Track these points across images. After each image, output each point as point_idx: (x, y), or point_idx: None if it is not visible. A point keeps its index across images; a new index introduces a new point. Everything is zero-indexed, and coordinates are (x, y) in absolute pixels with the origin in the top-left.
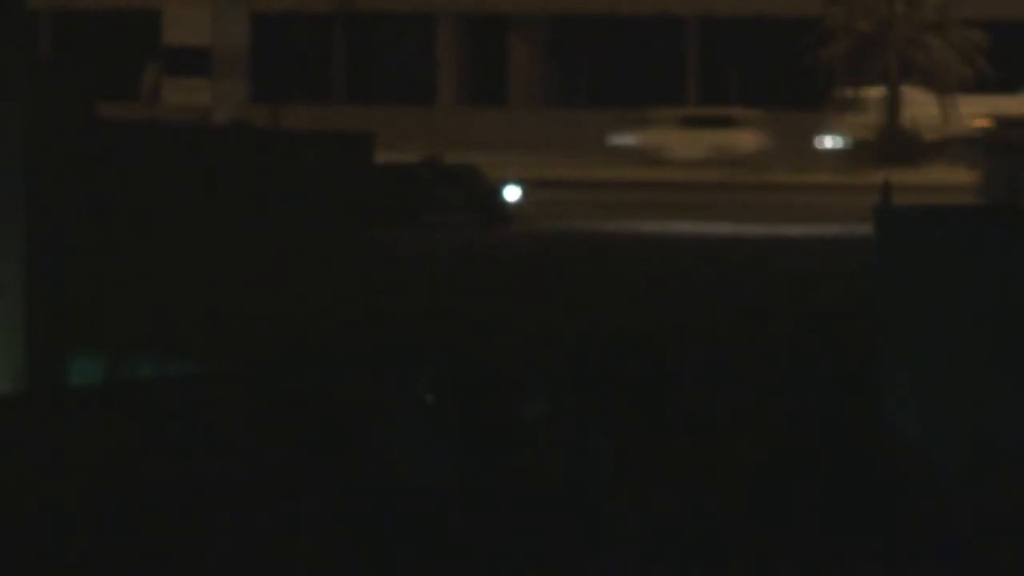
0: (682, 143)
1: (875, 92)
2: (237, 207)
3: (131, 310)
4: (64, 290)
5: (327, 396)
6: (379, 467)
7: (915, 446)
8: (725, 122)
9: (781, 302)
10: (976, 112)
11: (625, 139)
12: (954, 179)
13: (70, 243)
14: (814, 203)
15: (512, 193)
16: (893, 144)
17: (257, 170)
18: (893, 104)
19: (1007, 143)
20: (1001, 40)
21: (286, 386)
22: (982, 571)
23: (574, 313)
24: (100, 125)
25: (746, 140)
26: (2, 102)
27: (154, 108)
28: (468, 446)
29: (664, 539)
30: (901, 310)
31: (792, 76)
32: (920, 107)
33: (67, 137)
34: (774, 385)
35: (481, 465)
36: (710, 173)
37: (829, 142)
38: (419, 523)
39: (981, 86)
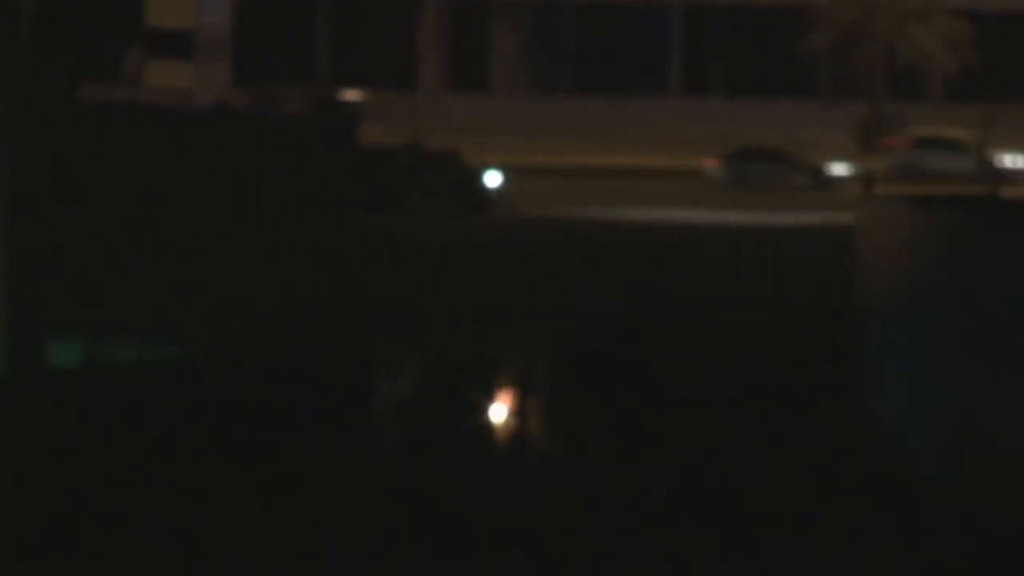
0: None
1: None
2: (219, 190)
3: (112, 294)
4: (45, 273)
5: (303, 380)
6: (353, 446)
7: (895, 433)
8: None
9: (749, 290)
10: None
11: None
12: None
13: (51, 226)
14: None
15: (493, 179)
16: None
17: (239, 154)
18: None
19: None
20: (985, 30)
21: (262, 369)
22: (956, 554)
23: (552, 301)
24: (82, 107)
25: None
26: None
27: (136, 90)
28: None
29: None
30: (883, 299)
31: (778, 64)
32: None
33: (49, 119)
34: (755, 373)
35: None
36: None
37: None
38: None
39: None
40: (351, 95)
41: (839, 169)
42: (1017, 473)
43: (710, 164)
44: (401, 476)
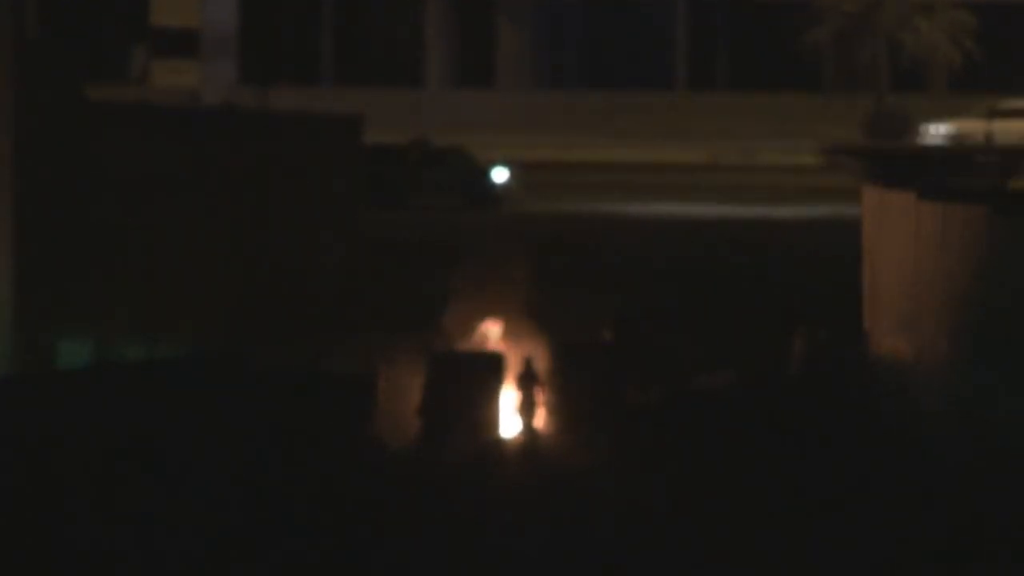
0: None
1: None
2: (225, 190)
3: (119, 293)
4: (52, 273)
5: (307, 375)
6: (366, 443)
7: (905, 424)
8: None
9: (756, 283)
10: None
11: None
12: None
13: (58, 225)
14: None
15: (500, 175)
16: None
17: (245, 153)
18: None
19: None
20: (988, 21)
21: (267, 365)
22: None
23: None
24: (88, 107)
25: None
26: None
27: (142, 90)
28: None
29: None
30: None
31: (782, 57)
32: None
33: (55, 119)
34: (763, 362)
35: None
36: None
37: None
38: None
39: None
40: None
41: None
42: (1016, 459)
43: None
44: None
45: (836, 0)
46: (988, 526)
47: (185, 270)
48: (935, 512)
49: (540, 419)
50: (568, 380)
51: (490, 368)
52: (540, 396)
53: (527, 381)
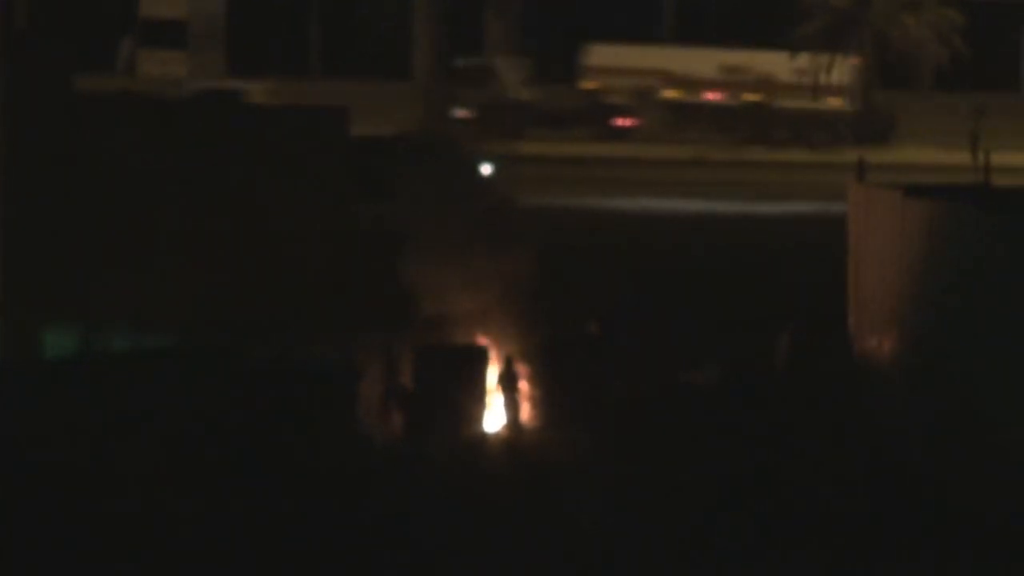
0: None
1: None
2: (212, 181)
3: (107, 283)
4: (39, 263)
5: (293, 367)
6: (339, 432)
7: (888, 419)
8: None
9: (743, 279)
10: None
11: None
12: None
13: (46, 215)
14: None
15: (487, 168)
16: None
17: (231, 144)
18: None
19: None
20: (975, 18)
21: (254, 357)
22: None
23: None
24: (76, 99)
25: None
26: None
27: (130, 81)
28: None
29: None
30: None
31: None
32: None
33: (43, 111)
34: (750, 356)
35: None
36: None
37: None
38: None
39: None
40: None
41: None
42: (1009, 448)
43: None
44: None
45: None
46: (968, 519)
47: (171, 261)
48: (913, 504)
49: (524, 413)
50: (554, 374)
51: (475, 361)
52: (524, 390)
53: (511, 375)
